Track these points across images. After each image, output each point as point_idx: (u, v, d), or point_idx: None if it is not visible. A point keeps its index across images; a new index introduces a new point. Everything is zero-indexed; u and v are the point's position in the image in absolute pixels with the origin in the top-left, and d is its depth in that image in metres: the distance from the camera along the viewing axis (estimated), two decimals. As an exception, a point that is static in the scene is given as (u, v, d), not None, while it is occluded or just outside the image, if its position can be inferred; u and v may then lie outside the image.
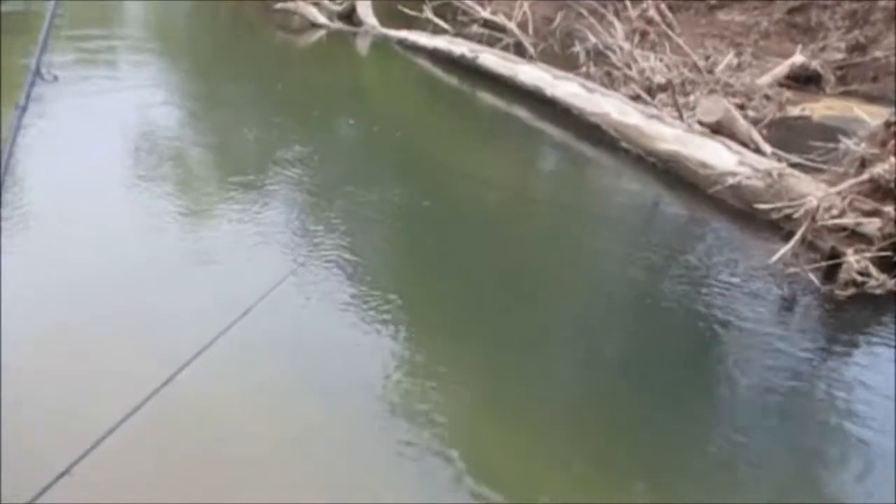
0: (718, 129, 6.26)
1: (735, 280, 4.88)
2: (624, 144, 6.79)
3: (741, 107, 8.14)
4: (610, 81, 8.73)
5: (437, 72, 9.75)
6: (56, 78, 2.10)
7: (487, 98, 8.82)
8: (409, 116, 8.57)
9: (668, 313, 4.54)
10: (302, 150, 6.63)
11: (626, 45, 8.96)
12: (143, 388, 2.19)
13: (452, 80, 9.48)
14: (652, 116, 6.77)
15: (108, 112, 7.13)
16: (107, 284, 4.23)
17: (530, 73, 8.30)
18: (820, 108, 8.95)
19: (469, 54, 9.27)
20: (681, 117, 6.93)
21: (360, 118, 8.11)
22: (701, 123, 6.37)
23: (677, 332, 4.47)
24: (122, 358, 3.64)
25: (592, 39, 9.31)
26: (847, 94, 9.37)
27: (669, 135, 6.44)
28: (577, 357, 4.21)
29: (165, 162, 6.16)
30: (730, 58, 9.37)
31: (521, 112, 8.20)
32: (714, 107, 6.27)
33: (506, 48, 10.04)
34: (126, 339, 3.82)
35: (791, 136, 7.33)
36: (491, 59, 8.98)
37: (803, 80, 9.46)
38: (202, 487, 3.02)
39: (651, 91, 8.32)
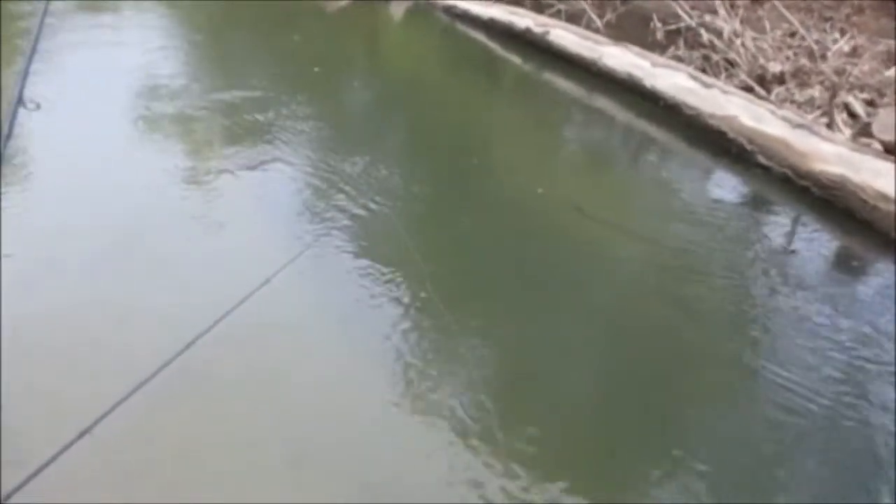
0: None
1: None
2: (762, 160, 5.40)
3: (871, 103, 6.80)
4: (707, 67, 7.34)
5: (495, 48, 8.28)
6: (38, 106, 1.83)
7: (561, 84, 7.36)
8: (456, 102, 7.12)
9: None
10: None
11: (730, 24, 7.51)
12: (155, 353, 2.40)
13: (514, 59, 8.02)
14: (799, 125, 5.38)
15: (110, 66, 6.75)
16: (114, 251, 3.96)
17: (621, 58, 6.84)
18: (943, 103, 7.58)
19: (537, 29, 7.79)
20: (830, 125, 5.56)
21: (394, 108, 6.72)
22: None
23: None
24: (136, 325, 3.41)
25: (684, 16, 7.85)
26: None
27: (830, 153, 5.05)
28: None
29: (169, 120, 5.69)
30: (843, 41, 7.96)
31: (609, 105, 6.77)
32: (897, 122, 4.89)
33: (556, 15, 8.60)
34: (136, 305, 3.55)
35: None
36: (566, 36, 7.51)
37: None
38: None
39: (765, 82, 6.92)
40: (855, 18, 9.51)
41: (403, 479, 2.80)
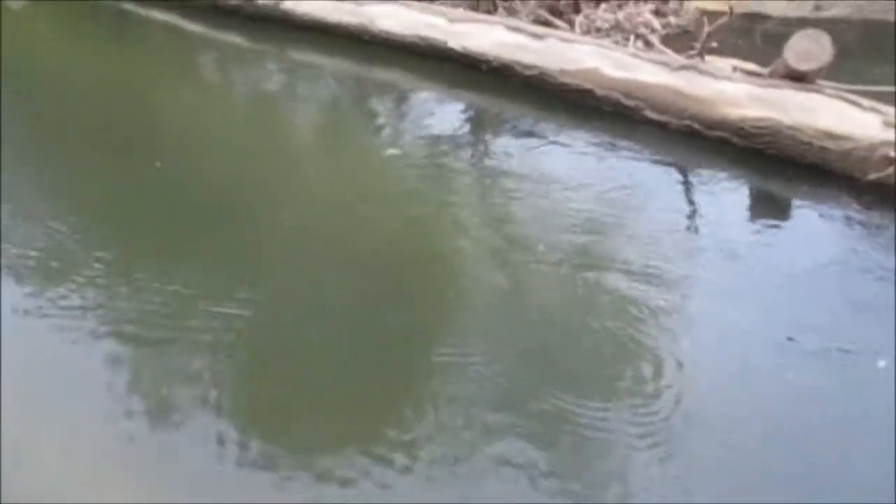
0: (805, 79, 4.23)
1: None
2: (651, 114, 4.49)
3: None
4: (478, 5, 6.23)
5: (198, 29, 6.35)
6: None
7: (324, 62, 5.79)
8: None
9: None
10: None
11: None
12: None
13: (234, 40, 6.20)
14: (683, 67, 4.53)
15: None
16: None
17: (402, 18, 5.45)
18: None
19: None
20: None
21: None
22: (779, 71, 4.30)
23: None
24: None
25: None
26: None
27: (738, 95, 4.27)
28: None
29: None
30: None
31: (405, 80, 5.39)
32: (815, 48, 4.18)
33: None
34: None
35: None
36: (309, 3, 5.86)
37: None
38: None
39: (560, 13, 6.01)
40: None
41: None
